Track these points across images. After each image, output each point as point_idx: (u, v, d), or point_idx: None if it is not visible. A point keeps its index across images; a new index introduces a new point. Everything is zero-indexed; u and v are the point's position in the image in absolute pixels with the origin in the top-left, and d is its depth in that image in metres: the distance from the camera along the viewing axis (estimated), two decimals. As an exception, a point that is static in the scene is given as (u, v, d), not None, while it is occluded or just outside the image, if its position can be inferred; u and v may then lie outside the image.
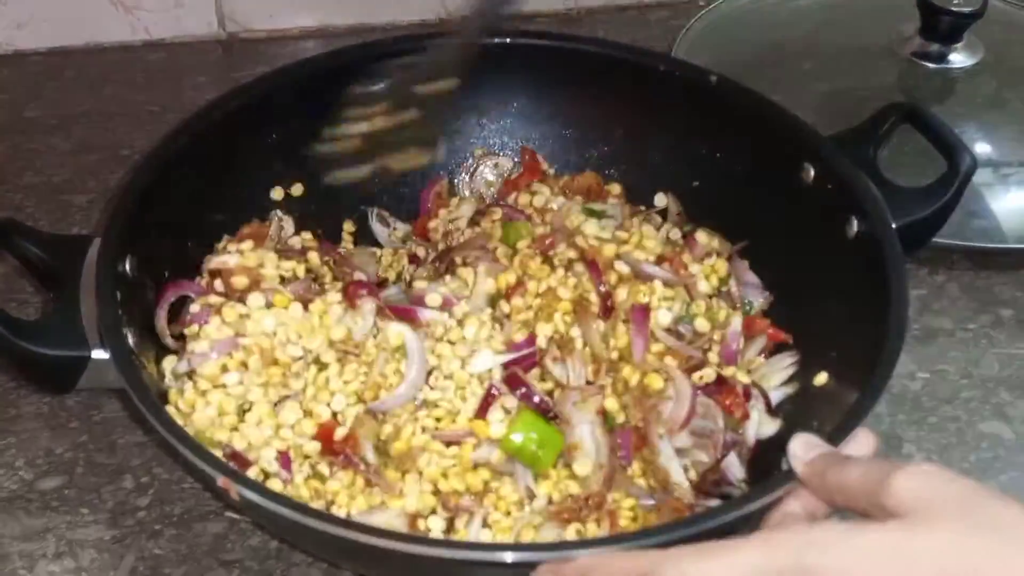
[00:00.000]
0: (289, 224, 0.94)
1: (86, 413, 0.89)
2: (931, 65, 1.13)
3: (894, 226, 0.81)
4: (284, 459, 0.77)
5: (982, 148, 1.04)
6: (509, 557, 0.64)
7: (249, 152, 0.92)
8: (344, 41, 1.06)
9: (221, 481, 0.67)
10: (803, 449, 0.65)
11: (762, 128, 0.90)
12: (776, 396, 0.84)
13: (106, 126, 1.15)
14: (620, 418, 0.80)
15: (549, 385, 0.82)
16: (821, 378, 0.82)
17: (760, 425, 0.82)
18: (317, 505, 0.76)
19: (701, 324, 0.85)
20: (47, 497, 0.84)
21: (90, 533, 0.81)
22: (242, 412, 0.79)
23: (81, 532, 0.82)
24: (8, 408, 0.90)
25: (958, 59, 1.13)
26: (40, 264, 0.80)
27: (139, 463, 0.86)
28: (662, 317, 0.84)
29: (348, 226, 0.98)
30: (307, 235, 0.93)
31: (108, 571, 0.79)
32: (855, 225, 0.83)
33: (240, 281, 0.84)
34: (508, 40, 0.98)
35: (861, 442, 0.67)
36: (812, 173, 0.87)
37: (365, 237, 0.98)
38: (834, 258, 0.85)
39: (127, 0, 1.22)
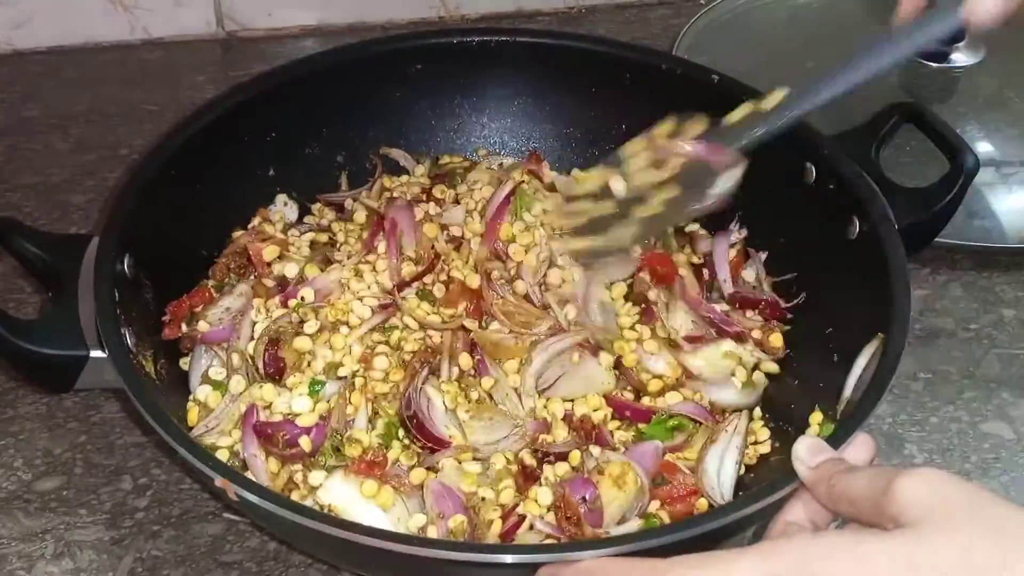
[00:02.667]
0: (293, 209, 0.96)
1: (84, 414, 0.89)
2: (933, 64, 1.12)
3: (896, 227, 0.81)
4: None
5: (984, 147, 1.04)
6: (508, 558, 0.64)
7: (247, 150, 0.92)
8: (343, 39, 1.06)
9: (219, 481, 0.67)
10: (808, 453, 0.64)
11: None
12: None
13: (104, 125, 1.15)
14: None
15: None
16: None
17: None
18: None
19: None
20: (45, 498, 0.83)
21: (88, 534, 0.81)
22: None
23: (79, 533, 0.81)
24: (6, 408, 0.89)
25: (960, 58, 1.12)
26: (39, 263, 0.80)
27: (137, 464, 0.86)
28: None
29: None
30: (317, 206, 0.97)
31: (106, 572, 0.79)
32: (857, 225, 0.82)
33: (271, 252, 0.87)
34: (510, 38, 0.98)
35: (860, 447, 0.66)
36: (814, 173, 0.87)
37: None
38: (836, 258, 0.84)
39: (126, -1, 1.22)
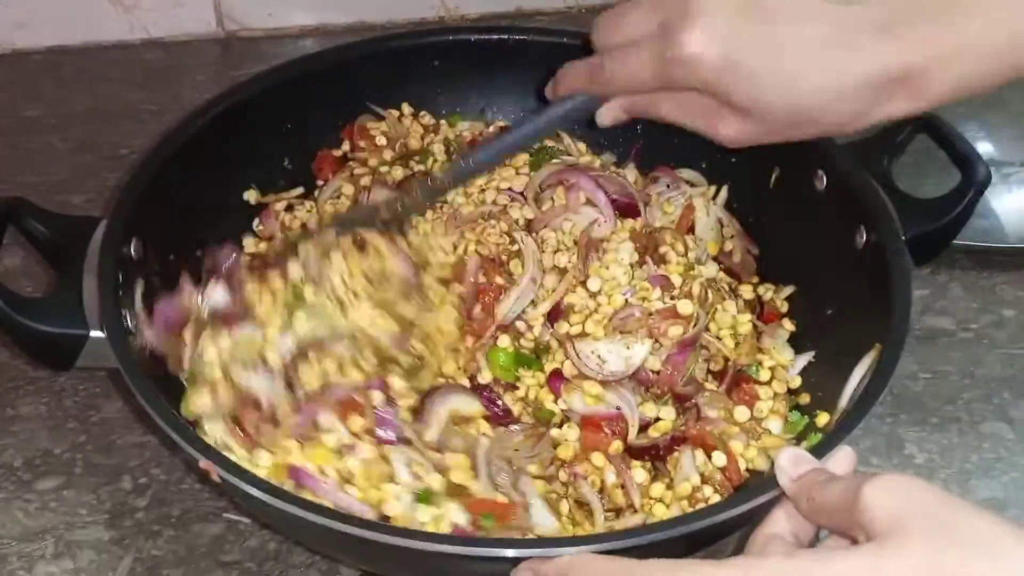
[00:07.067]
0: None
1: (84, 414, 0.89)
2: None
3: (904, 237, 0.80)
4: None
5: (983, 148, 1.04)
6: (510, 552, 0.64)
7: (262, 141, 0.93)
8: (343, 39, 1.06)
9: (203, 463, 0.67)
10: (791, 464, 0.64)
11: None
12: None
13: (105, 125, 1.15)
14: None
15: None
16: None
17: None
18: None
19: None
20: (45, 498, 0.83)
21: (88, 534, 0.81)
22: None
23: (79, 533, 0.81)
24: (6, 408, 0.89)
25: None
26: (47, 244, 0.81)
27: (137, 464, 0.86)
28: None
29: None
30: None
31: (106, 572, 0.79)
32: (864, 234, 0.82)
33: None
34: (528, 37, 0.98)
35: (842, 459, 0.65)
36: (825, 181, 0.86)
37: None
38: (842, 266, 0.84)
39: (126, -1, 1.22)
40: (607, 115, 0.79)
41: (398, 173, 0.96)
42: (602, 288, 0.85)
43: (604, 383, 0.81)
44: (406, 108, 0.99)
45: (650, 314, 0.82)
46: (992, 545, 0.54)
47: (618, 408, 0.80)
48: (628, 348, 0.81)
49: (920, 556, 0.54)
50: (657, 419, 0.81)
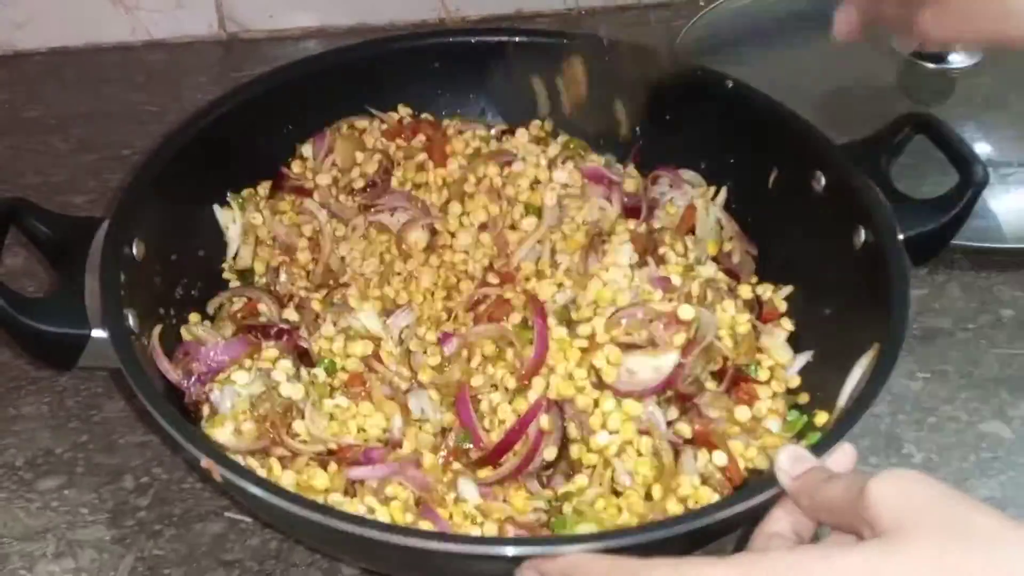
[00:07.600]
0: None
1: (86, 413, 0.89)
2: (930, 65, 1.13)
3: (902, 237, 0.81)
4: None
5: (982, 148, 1.04)
6: (510, 551, 0.64)
7: (264, 142, 0.93)
8: (344, 41, 1.06)
9: (204, 462, 0.68)
10: (791, 463, 0.64)
11: (776, 134, 0.90)
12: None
13: (106, 126, 1.15)
14: None
15: None
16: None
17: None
18: None
19: None
20: (47, 497, 0.84)
21: (90, 533, 0.81)
22: None
23: (81, 532, 0.82)
24: (8, 408, 0.90)
25: (957, 59, 1.13)
26: (49, 244, 0.81)
27: (139, 463, 0.86)
28: None
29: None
30: None
31: (108, 571, 0.79)
32: (862, 235, 0.82)
33: None
34: (523, 39, 0.99)
35: (842, 456, 0.66)
36: (823, 181, 0.87)
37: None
38: (841, 266, 0.84)
39: (127, 0, 1.22)
40: (842, 21, 0.79)
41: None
42: (598, 301, 0.85)
43: (640, 397, 0.80)
44: (404, 110, 1.00)
45: (651, 320, 0.82)
46: (994, 541, 0.54)
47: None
48: (655, 357, 0.80)
49: (924, 553, 0.54)
50: (668, 423, 0.81)
